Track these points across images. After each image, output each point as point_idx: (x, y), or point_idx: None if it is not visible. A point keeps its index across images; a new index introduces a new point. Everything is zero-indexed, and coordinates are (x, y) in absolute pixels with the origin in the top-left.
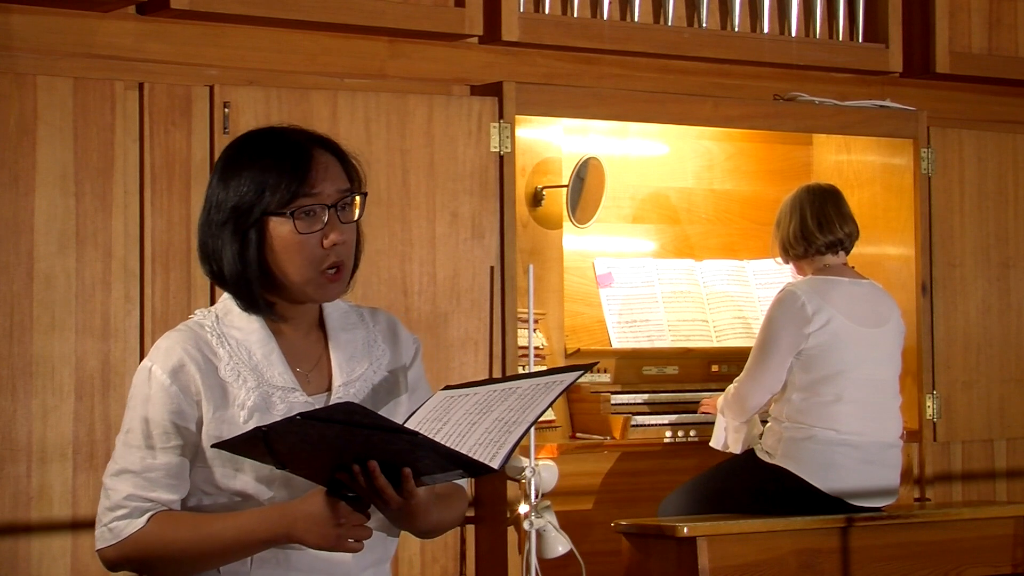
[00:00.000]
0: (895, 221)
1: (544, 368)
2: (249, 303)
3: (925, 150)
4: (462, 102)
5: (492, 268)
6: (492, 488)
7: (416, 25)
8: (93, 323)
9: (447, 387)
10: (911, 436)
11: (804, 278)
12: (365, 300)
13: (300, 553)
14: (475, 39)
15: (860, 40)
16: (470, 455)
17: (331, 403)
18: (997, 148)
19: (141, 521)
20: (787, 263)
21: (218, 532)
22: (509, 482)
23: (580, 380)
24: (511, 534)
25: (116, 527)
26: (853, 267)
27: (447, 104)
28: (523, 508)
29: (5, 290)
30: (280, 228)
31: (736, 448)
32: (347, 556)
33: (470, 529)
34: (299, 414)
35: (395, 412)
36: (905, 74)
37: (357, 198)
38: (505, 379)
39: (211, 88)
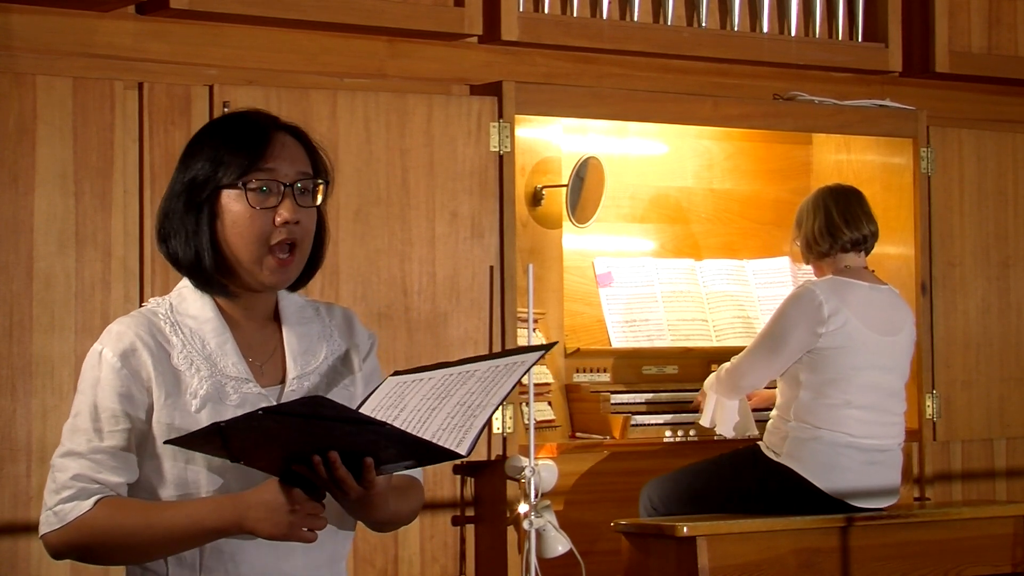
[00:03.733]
0: (895, 220)
1: (500, 351)
2: (202, 282)
3: (925, 149)
4: (462, 102)
5: (492, 268)
6: (492, 488)
7: (416, 25)
8: (93, 323)
9: (396, 372)
10: (911, 435)
11: (824, 278)
12: (365, 300)
13: (248, 556)
14: (475, 39)
15: (860, 39)
16: (436, 442)
17: (285, 395)
18: (997, 148)
19: (88, 504)
20: (807, 263)
21: (167, 519)
22: (509, 482)
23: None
24: (511, 534)
25: (61, 510)
26: (873, 271)
27: (447, 104)
28: (523, 508)
29: (5, 290)
30: (233, 203)
31: (723, 428)
32: (298, 559)
33: (470, 529)
34: (262, 409)
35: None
36: (904, 73)
37: (320, 185)
38: (459, 362)
39: (210, 88)
